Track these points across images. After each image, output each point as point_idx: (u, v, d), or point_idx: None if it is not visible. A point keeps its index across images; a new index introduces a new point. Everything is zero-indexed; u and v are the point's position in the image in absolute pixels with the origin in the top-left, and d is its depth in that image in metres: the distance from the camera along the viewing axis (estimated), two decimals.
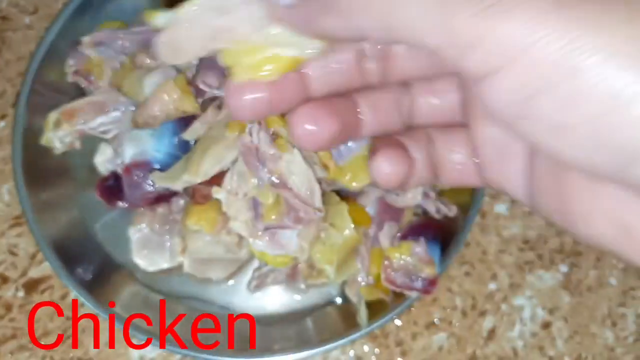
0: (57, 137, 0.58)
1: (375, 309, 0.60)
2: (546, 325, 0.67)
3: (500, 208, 0.69)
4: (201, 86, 0.56)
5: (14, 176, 0.59)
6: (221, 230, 0.54)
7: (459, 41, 0.24)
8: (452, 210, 0.58)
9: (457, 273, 0.68)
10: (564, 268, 0.69)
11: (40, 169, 0.61)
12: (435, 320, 0.67)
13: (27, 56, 0.70)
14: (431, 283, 0.56)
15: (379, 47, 0.32)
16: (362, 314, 0.59)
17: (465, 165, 0.35)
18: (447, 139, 0.35)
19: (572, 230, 0.29)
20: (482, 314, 0.67)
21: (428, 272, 0.56)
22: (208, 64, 0.56)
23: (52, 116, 0.58)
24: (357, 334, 0.58)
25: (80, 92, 0.63)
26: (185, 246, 0.55)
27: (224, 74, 0.56)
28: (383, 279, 0.57)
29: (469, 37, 0.23)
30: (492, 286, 0.68)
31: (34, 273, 0.66)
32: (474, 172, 0.35)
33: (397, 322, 0.67)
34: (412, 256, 0.57)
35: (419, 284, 0.56)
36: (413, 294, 0.57)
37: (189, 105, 0.55)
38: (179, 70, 0.56)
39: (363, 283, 0.59)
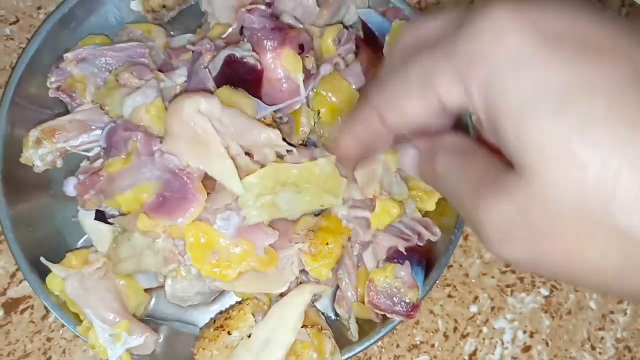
0: (38, 155, 0.57)
1: (364, 328, 0.59)
2: (527, 349, 0.68)
3: None
4: None
5: None
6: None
7: None
8: (435, 234, 0.58)
9: (439, 295, 0.68)
10: (544, 291, 0.69)
11: (20, 185, 0.60)
12: (417, 342, 0.67)
13: (8, 68, 0.69)
14: (414, 307, 0.56)
15: None
16: (353, 329, 0.59)
17: None
18: None
19: None
20: (464, 336, 0.67)
21: (411, 296, 0.56)
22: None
23: (32, 134, 0.57)
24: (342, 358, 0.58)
25: (63, 106, 0.62)
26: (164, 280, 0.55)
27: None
28: (367, 301, 0.56)
29: None
30: (473, 309, 0.68)
31: (14, 293, 0.65)
32: None
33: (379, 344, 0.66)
34: (396, 279, 0.56)
35: (402, 307, 0.56)
36: (396, 318, 0.57)
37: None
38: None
39: (353, 299, 0.58)
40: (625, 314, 0.69)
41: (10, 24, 0.71)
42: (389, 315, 0.57)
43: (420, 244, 0.57)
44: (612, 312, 0.69)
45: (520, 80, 0.29)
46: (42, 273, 0.57)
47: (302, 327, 0.55)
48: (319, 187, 0.53)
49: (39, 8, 0.71)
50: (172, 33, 0.65)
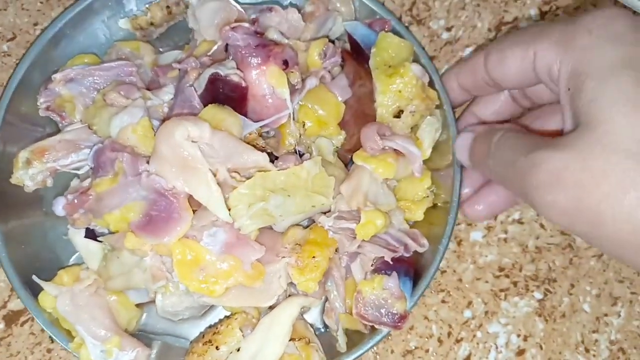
0: (28, 175, 0.58)
1: (353, 339, 0.60)
2: (521, 352, 0.68)
3: (476, 235, 0.70)
4: None
5: None
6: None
7: None
8: (423, 246, 0.59)
9: (433, 301, 0.68)
10: (538, 295, 0.69)
11: (12, 202, 0.60)
12: (412, 348, 0.67)
13: (5, 84, 0.70)
14: (401, 318, 0.57)
15: None
16: (341, 340, 0.59)
17: None
18: None
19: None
20: (458, 341, 0.68)
21: (399, 307, 0.57)
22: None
23: (22, 155, 0.58)
24: None
25: (55, 124, 0.63)
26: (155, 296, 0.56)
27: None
28: (354, 313, 0.57)
29: None
30: (467, 314, 0.68)
31: (14, 305, 0.67)
32: None
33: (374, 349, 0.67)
34: (384, 290, 0.57)
35: (389, 319, 0.57)
36: (383, 329, 0.57)
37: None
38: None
39: (341, 311, 0.59)
40: (619, 316, 0.69)
41: (8, 41, 0.72)
42: (376, 327, 0.57)
43: (407, 255, 0.58)
44: (606, 315, 0.69)
45: (617, 50, 0.37)
46: (35, 290, 0.58)
47: (290, 340, 0.56)
48: (308, 189, 0.54)
49: (36, 24, 0.72)
50: (160, 49, 0.66)
